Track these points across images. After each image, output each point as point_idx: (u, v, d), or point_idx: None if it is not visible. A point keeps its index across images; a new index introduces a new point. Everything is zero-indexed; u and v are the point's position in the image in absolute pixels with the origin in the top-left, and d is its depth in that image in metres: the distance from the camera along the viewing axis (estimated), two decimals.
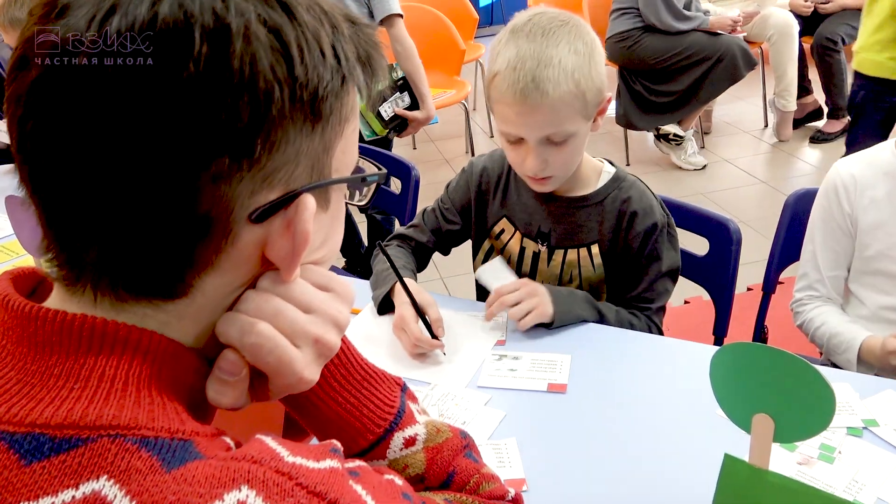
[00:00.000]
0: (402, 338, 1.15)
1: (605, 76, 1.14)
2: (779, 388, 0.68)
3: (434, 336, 1.13)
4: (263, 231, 0.45)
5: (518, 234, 1.30)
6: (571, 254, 1.26)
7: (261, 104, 0.41)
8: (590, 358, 1.11)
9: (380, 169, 0.55)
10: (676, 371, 1.08)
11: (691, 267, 1.44)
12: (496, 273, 1.23)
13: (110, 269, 0.43)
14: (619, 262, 1.25)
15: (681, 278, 1.28)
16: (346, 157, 0.50)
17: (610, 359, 1.11)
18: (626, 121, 3.54)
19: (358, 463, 0.49)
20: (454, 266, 2.43)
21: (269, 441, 0.44)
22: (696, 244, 1.46)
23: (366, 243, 2.69)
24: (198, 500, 0.38)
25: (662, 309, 1.26)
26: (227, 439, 0.45)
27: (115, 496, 0.38)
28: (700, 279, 1.45)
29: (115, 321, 0.43)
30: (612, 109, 3.66)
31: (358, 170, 0.53)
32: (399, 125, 2.36)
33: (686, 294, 2.43)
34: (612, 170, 1.26)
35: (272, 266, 0.48)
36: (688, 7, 3.28)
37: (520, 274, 1.32)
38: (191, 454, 0.41)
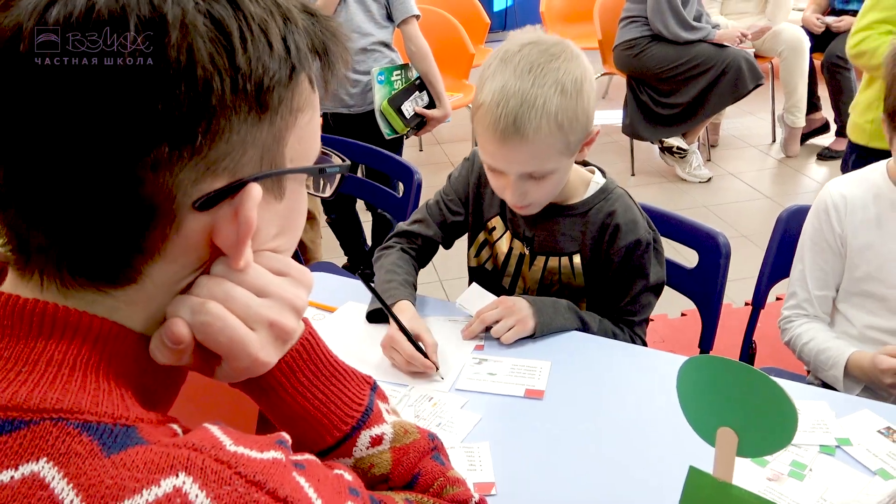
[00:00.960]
0: (393, 357, 1.12)
1: (594, 111, 1.12)
2: (743, 402, 0.68)
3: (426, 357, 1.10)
4: (210, 218, 0.45)
5: (508, 234, 1.31)
6: (553, 261, 1.26)
7: (199, 94, 0.41)
8: (570, 365, 1.11)
9: (343, 161, 0.55)
10: (655, 381, 1.08)
11: (680, 279, 1.44)
12: (475, 298, 1.24)
13: (55, 254, 0.44)
14: (601, 274, 1.25)
15: (671, 290, 1.27)
16: (302, 147, 0.50)
17: (590, 367, 1.11)
18: (632, 131, 3.54)
19: (306, 456, 0.49)
20: (454, 268, 2.43)
21: (215, 430, 0.44)
22: (686, 256, 1.45)
23: (370, 242, 2.69)
24: (135, 485, 0.39)
25: (645, 321, 1.26)
26: (176, 427, 0.46)
27: (53, 478, 0.38)
28: (688, 291, 1.45)
29: (66, 307, 0.43)
30: (618, 119, 3.68)
31: (321, 161, 0.53)
32: (418, 123, 2.38)
33: (684, 306, 2.43)
34: (602, 181, 1.25)
35: (223, 253, 0.48)
36: (698, 19, 3.28)
37: (504, 274, 1.32)
38: (132, 440, 0.41)
